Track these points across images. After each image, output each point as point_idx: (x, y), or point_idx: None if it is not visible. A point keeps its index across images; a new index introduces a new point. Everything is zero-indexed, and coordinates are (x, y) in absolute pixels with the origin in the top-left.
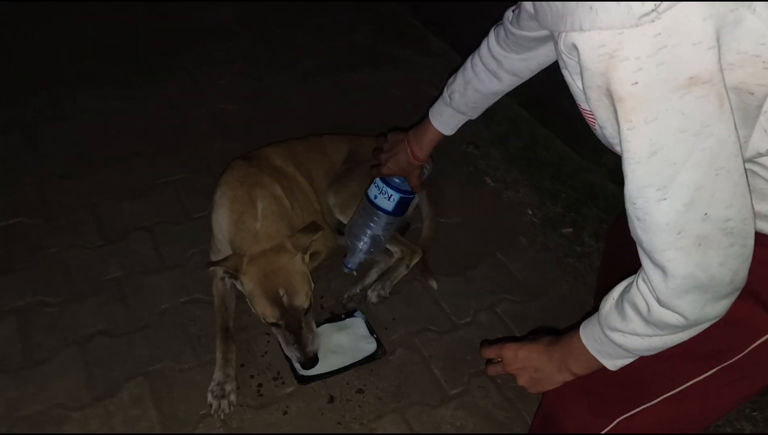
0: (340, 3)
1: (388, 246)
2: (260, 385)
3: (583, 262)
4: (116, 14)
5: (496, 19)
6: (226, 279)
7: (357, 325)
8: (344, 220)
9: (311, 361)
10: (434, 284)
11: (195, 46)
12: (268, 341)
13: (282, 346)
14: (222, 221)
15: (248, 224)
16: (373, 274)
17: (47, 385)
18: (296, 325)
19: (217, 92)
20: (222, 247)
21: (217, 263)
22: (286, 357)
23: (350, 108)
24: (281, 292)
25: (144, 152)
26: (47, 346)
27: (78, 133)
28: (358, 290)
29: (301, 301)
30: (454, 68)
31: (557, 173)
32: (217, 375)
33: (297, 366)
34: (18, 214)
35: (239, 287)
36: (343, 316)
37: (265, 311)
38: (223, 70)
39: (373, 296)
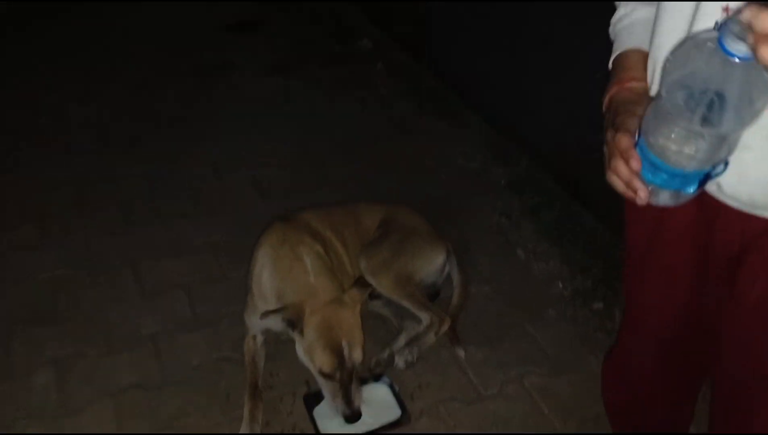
0: (381, 78)
1: (416, 312)
2: None
3: (612, 338)
4: (169, 84)
5: (532, 96)
6: (258, 337)
7: (383, 389)
8: (375, 285)
9: (356, 415)
10: (462, 353)
11: (242, 114)
12: (294, 402)
13: (328, 398)
14: (268, 277)
15: (300, 278)
16: (401, 340)
17: None
18: (348, 379)
19: (260, 158)
20: (262, 304)
21: (276, 311)
22: (311, 418)
23: (386, 177)
24: (344, 343)
25: (186, 213)
26: (82, 396)
27: (125, 192)
28: (385, 355)
29: (359, 355)
30: (490, 141)
31: (588, 247)
32: (244, 431)
33: (323, 427)
34: (64, 265)
35: (295, 337)
36: (370, 379)
37: (324, 361)
38: (267, 137)
39: (400, 362)
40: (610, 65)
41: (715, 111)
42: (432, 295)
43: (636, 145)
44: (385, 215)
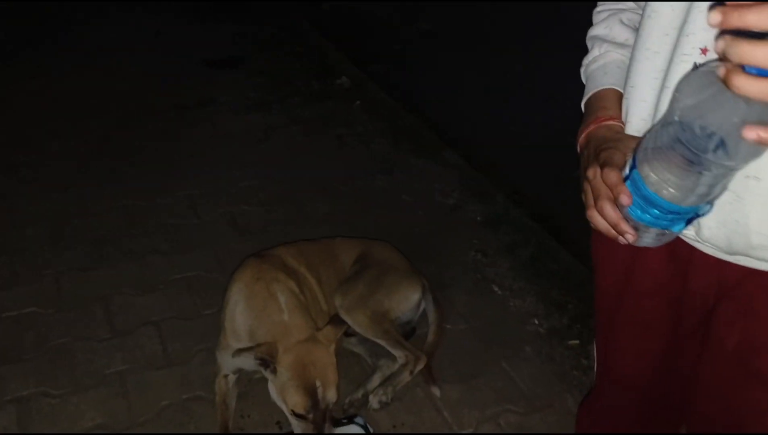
0: (360, 115)
1: (391, 350)
2: None
3: (589, 375)
4: (148, 119)
5: (508, 133)
6: (230, 376)
7: (357, 430)
8: (350, 322)
9: None
10: (437, 392)
11: (220, 151)
12: None
13: None
14: (240, 315)
15: (274, 316)
16: (375, 379)
17: None
18: (321, 420)
19: (238, 194)
20: (234, 342)
21: (248, 350)
22: None
23: (364, 213)
24: (317, 383)
25: (160, 249)
26: None
27: (99, 228)
28: (359, 395)
29: (333, 395)
30: (467, 178)
31: (564, 284)
32: None
33: None
34: (32, 304)
35: (268, 375)
36: (343, 420)
37: (297, 401)
38: (245, 174)
39: (374, 402)
40: (582, 105)
41: (730, 142)
42: (407, 332)
43: (625, 180)
44: (362, 251)
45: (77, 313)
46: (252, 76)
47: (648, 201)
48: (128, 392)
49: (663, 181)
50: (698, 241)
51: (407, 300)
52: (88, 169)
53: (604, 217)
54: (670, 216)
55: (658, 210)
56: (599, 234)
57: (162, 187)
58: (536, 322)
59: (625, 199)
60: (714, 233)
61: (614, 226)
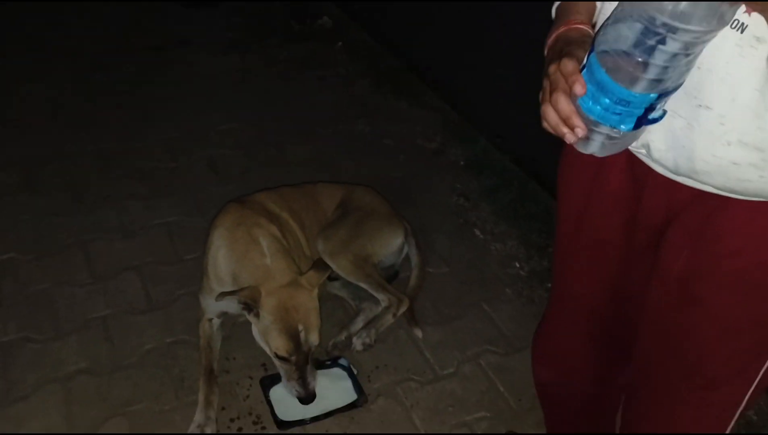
0: (341, 57)
1: (374, 293)
2: (240, 429)
3: None
4: (123, 60)
5: (490, 76)
6: (214, 320)
7: (340, 372)
8: (333, 267)
9: (311, 396)
10: (419, 333)
11: (197, 94)
12: (251, 385)
13: (283, 380)
14: (223, 260)
15: (256, 260)
16: (359, 322)
17: (25, 423)
18: (304, 362)
19: (216, 138)
20: (218, 287)
21: (231, 293)
22: (268, 401)
23: (346, 157)
24: (300, 327)
25: (139, 193)
26: (27, 383)
27: (75, 173)
28: (343, 337)
29: (315, 338)
30: (449, 122)
31: (545, 227)
32: (198, 417)
33: (279, 410)
34: (10, 249)
35: (252, 319)
36: (327, 362)
37: (279, 344)
38: (223, 117)
39: (357, 344)
40: (553, 12)
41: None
42: (390, 276)
43: (582, 69)
44: (344, 196)
45: (57, 259)
46: (229, 16)
47: (601, 87)
48: (111, 337)
49: (617, 63)
50: (651, 160)
51: (389, 244)
52: (61, 112)
53: (556, 110)
54: (619, 108)
55: (609, 98)
56: (566, 161)
57: (138, 130)
58: (517, 265)
59: (578, 88)
60: (663, 155)
61: (566, 120)
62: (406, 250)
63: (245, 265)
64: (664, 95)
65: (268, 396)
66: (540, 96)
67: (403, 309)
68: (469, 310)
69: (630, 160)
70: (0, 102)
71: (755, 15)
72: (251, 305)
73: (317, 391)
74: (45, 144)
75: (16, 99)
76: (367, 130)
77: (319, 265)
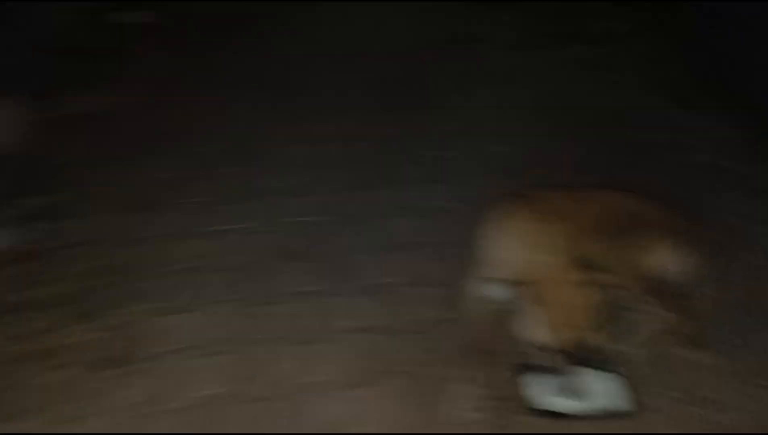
0: (637, 60)
1: (657, 309)
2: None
3: None
4: (412, 55)
5: None
6: (486, 303)
7: (611, 377)
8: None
9: (576, 395)
10: (703, 357)
11: (478, 90)
12: (512, 370)
13: (549, 374)
14: (504, 249)
15: (538, 254)
16: (638, 333)
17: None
18: (573, 359)
19: (491, 132)
20: (494, 273)
21: (510, 282)
22: (527, 388)
23: (631, 166)
24: (575, 324)
25: (425, 177)
26: (313, 332)
27: (382, 154)
28: (620, 345)
29: (588, 337)
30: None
31: None
32: (462, 391)
33: (540, 399)
34: (321, 213)
35: (525, 309)
36: (598, 365)
37: (551, 338)
38: (501, 113)
39: (634, 354)
40: None
41: None
42: (675, 294)
43: None
44: (630, 207)
45: (357, 228)
46: (520, 13)
47: None
48: (396, 303)
49: None
50: None
51: (676, 261)
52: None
53: None
54: None
55: None
56: None
57: (419, 121)
58: None
59: None
60: None
61: None
62: (692, 269)
63: (525, 257)
64: None
65: (528, 385)
66: None
67: (686, 328)
68: (754, 339)
69: None
70: (316, 87)
71: None
72: (528, 295)
73: (588, 389)
74: (360, 121)
75: (324, 86)
76: (650, 138)
77: (601, 268)
